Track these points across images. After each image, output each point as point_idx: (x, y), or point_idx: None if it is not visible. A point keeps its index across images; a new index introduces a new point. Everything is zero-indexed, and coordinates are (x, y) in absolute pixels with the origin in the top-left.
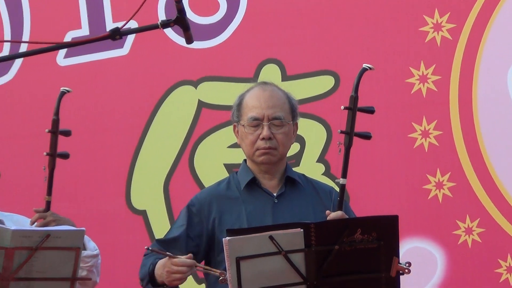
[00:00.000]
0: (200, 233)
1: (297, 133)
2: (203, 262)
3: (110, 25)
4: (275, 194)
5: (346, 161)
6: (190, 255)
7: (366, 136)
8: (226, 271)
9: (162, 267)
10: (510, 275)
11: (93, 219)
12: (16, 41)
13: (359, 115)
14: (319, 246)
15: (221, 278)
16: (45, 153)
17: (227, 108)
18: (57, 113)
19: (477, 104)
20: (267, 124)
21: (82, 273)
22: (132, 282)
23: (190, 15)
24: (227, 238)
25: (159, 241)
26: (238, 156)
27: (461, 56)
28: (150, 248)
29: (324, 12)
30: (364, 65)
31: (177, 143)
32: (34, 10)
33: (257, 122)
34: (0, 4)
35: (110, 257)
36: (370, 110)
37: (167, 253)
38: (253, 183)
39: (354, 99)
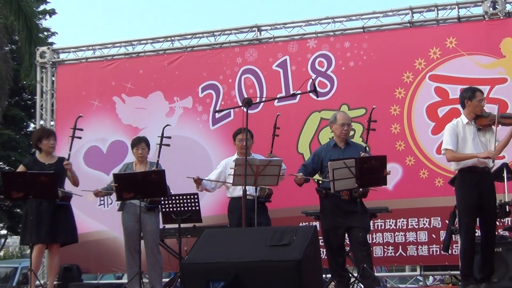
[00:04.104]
0: (318, 160)
1: (352, 127)
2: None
3: (291, 90)
4: (342, 148)
5: (367, 138)
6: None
7: (373, 130)
8: (328, 174)
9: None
10: (426, 179)
11: (283, 156)
12: (260, 96)
13: (373, 123)
14: (359, 165)
15: (327, 176)
16: (271, 134)
17: (328, 119)
18: (276, 119)
19: (413, 119)
20: (346, 126)
21: (281, 173)
22: (294, 188)
23: (318, 88)
24: (329, 162)
25: (304, 165)
26: (331, 135)
27: (408, 102)
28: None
29: (364, 83)
30: (373, 106)
31: (313, 131)
32: (268, 85)
33: (342, 124)
34: (251, 78)
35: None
36: (374, 121)
37: (303, 177)
38: (335, 145)
39: (369, 118)
